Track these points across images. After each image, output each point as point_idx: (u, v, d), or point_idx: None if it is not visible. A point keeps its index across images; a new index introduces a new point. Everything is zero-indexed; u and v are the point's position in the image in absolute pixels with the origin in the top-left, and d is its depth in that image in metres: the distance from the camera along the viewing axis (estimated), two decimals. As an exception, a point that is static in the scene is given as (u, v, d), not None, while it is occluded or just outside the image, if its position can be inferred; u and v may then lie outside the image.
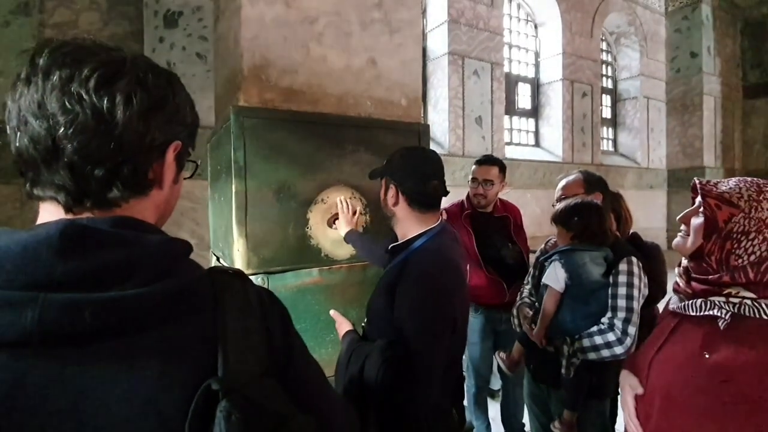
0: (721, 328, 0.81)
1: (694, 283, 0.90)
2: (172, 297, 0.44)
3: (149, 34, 3.67)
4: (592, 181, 1.77)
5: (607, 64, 8.16)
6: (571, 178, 1.80)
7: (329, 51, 1.65)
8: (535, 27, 7.14)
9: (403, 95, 1.85)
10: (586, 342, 1.34)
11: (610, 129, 8.24)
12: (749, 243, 0.82)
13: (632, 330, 1.31)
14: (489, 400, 2.42)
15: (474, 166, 2.22)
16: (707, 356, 0.81)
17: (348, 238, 1.54)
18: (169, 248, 0.46)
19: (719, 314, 0.81)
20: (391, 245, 1.13)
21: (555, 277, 1.42)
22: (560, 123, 6.83)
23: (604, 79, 8.02)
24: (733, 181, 0.88)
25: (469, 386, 2.24)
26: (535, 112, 7.15)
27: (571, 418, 1.38)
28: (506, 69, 6.51)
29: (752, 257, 0.82)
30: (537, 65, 7.16)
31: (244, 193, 1.44)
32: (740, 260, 0.83)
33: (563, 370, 1.37)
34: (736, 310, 0.81)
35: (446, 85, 5.57)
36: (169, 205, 0.57)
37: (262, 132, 1.47)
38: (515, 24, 6.92)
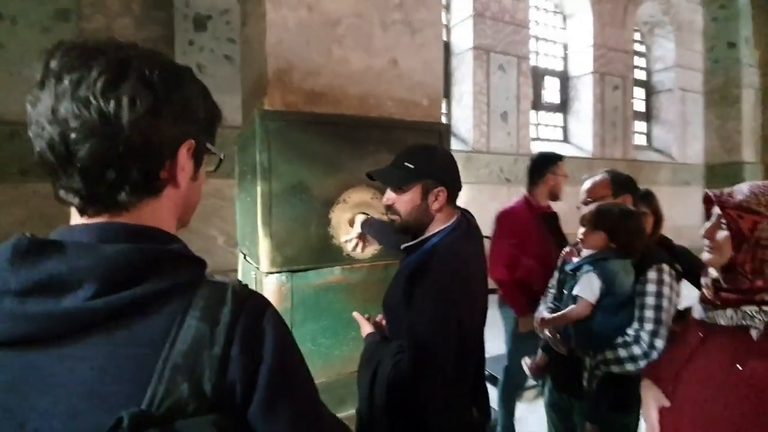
0: (755, 338, 0.79)
1: (723, 294, 0.88)
2: (117, 310, 0.42)
3: (180, 38, 3.80)
4: (620, 182, 1.66)
5: (641, 55, 7.86)
6: (597, 178, 1.70)
7: (351, 53, 1.68)
8: (564, 18, 6.95)
9: (425, 95, 1.86)
10: (609, 354, 1.28)
11: (644, 123, 7.95)
12: None
13: (659, 343, 1.23)
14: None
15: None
16: (740, 368, 0.80)
17: (363, 226, 1.56)
18: (133, 258, 0.44)
19: (752, 324, 0.80)
20: (404, 245, 1.13)
21: (590, 289, 1.33)
22: (590, 117, 6.64)
23: (637, 71, 7.72)
24: (746, 188, 0.87)
25: (501, 386, 2.24)
26: (563, 107, 6.98)
27: (593, 431, 1.33)
28: (533, 62, 6.38)
29: None
30: (565, 58, 6.97)
31: (268, 194, 1.49)
32: None
33: (584, 383, 1.32)
34: None
35: (471, 80, 5.50)
36: (192, 201, 0.56)
37: (286, 134, 1.52)
38: (543, 16, 6.76)
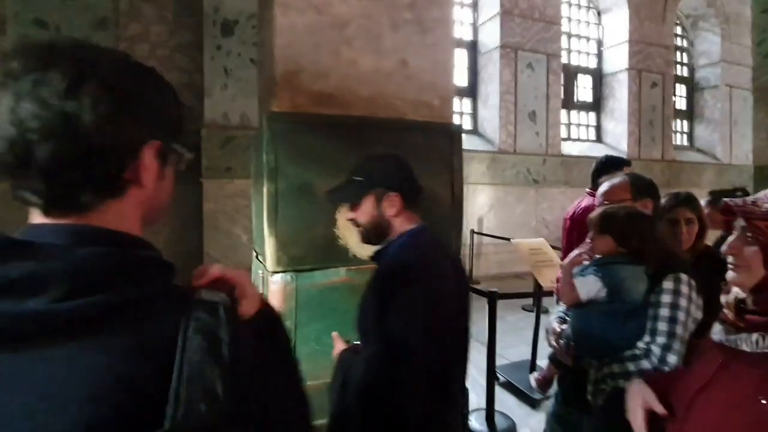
0: None
1: (749, 316, 0.79)
2: (85, 314, 0.41)
3: (208, 43, 3.93)
4: (641, 186, 1.58)
5: (682, 50, 7.47)
6: (615, 181, 1.63)
7: (360, 54, 1.68)
8: (598, 14, 6.70)
9: (436, 95, 1.83)
10: (616, 367, 1.19)
11: (685, 122, 7.54)
12: None
13: (672, 359, 1.15)
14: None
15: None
16: (763, 402, 0.72)
17: None
18: (105, 262, 0.44)
19: None
20: (376, 251, 1.11)
21: (585, 288, 1.28)
22: (625, 116, 6.37)
23: (679, 66, 7.34)
24: None
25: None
26: (596, 105, 6.73)
27: None
28: (564, 60, 6.19)
29: None
30: (599, 55, 6.72)
31: (274, 194, 1.51)
32: None
33: (589, 396, 1.24)
34: None
35: (497, 79, 5.41)
36: (159, 201, 0.56)
37: (293, 136, 1.54)
38: (575, 12, 6.54)
